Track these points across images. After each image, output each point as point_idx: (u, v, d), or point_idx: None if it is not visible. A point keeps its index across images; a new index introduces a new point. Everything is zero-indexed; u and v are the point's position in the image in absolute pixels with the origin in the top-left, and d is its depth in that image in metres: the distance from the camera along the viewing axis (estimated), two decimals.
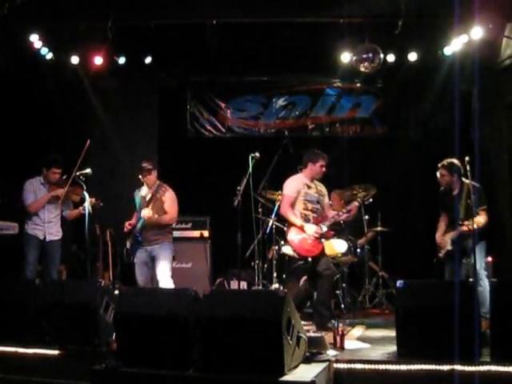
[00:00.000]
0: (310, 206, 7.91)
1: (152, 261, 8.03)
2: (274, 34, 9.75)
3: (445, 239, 7.72)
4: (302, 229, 7.73)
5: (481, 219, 7.39)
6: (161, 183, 8.08)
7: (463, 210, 7.46)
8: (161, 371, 5.24)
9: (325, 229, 7.74)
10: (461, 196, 7.55)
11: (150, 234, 8.03)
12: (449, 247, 7.63)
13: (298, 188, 7.88)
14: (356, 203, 7.98)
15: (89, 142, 8.00)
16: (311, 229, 7.68)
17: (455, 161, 7.62)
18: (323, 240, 7.77)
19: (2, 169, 9.63)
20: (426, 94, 10.55)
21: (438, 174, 7.79)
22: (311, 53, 10.24)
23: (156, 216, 7.87)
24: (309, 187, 7.94)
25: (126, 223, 8.12)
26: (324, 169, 7.98)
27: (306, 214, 7.88)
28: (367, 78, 10.75)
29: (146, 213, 7.83)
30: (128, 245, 8.12)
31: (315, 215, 7.88)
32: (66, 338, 6.08)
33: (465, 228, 7.31)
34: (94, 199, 8.14)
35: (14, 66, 9.75)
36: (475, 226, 7.23)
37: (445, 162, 7.72)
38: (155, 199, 7.97)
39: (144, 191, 8.19)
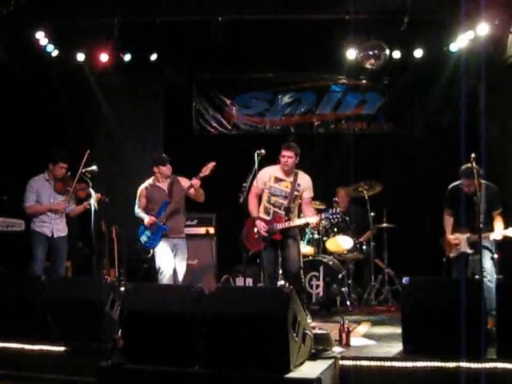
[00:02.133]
0: (272, 199, 7.83)
1: (174, 254, 8.12)
2: (280, 31, 9.73)
3: (459, 239, 7.62)
4: (253, 221, 7.76)
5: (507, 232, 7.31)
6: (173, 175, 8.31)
7: (478, 211, 7.36)
8: (166, 367, 5.25)
9: (275, 230, 7.67)
10: (475, 196, 7.41)
11: (176, 224, 8.16)
12: (466, 250, 7.53)
13: (263, 179, 7.83)
14: (316, 218, 7.77)
15: (88, 152, 8.12)
16: (260, 225, 7.69)
17: (469, 165, 7.52)
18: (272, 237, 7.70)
19: (7, 166, 9.66)
20: (431, 91, 10.52)
21: (460, 184, 7.56)
22: (317, 49, 10.24)
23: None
24: (277, 180, 7.84)
25: (150, 217, 8.11)
26: (283, 158, 7.78)
27: (267, 207, 7.85)
28: (373, 74, 10.74)
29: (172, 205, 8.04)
30: (144, 239, 8.15)
31: (277, 210, 7.79)
32: (72, 335, 6.10)
33: (490, 237, 7.24)
34: (99, 194, 8.19)
35: (19, 63, 9.79)
36: (498, 238, 7.23)
37: (464, 169, 7.43)
38: (177, 187, 8.17)
39: (157, 183, 8.28)
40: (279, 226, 7.67)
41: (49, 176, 8.37)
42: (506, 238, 7.35)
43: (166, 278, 7.95)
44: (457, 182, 7.67)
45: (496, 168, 9.22)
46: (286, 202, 7.78)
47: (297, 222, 7.76)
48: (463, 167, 7.49)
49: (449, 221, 7.84)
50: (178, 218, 8.24)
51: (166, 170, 8.24)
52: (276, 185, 7.83)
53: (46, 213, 8.27)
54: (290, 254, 7.76)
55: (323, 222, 9.21)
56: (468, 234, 7.51)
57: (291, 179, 7.84)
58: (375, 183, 9.69)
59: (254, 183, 7.75)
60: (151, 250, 8.15)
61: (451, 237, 7.73)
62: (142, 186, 8.32)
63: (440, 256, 7.99)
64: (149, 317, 5.43)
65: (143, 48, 10.25)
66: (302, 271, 7.90)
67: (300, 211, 7.98)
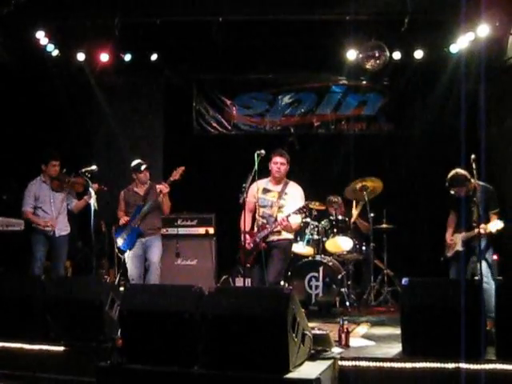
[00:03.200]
0: (261, 211, 7.64)
1: (145, 251, 8.36)
2: (280, 32, 9.75)
3: (455, 239, 7.68)
4: (241, 235, 7.54)
5: (500, 223, 7.33)
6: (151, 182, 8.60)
7: (477, 211, 7.37)
8: (166, 368, 5.25)
9: (258, 240, 7.47)
10: (474, 197, 7.42)
11: (149, 226, 8.38)
12: (459, 248, 7.59)
13: (252, 192, 7.61)
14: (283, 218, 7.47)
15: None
16: (246, 240, 7.45)
17: (457, 171, 7.54)
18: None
19: (7, 166, 9.66)
20: (432, 92, 10.53)
21: (452, 192, 7.65)
22: (317, 50, 10.26)
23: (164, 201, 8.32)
24: (265, 191, 7.68)
25: (123, 217, 8.41)
26: (276, 165, 7.64)
27: (258, 220, 7.63)
28: (373, 75, 10.73)
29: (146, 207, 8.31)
30: (120, 241, 8.39)
31: (265, 221, 7.60)
32: (71, 335, 6.09)
33: (481, 230, 7.19)
34: (97, 185, 8.16)
35: (20, 62, 9.80)
36: (494, 230, 7.22)
37: (450, 178, 7.57)
38: (153, 193, 8.39)
39: (135, 188, 8.57)
40: (261, 235, 7.51)
41: (44, 177, 8.37)
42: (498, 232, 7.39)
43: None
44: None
45: (496, 169, 9.25)
46: (270, 212, 7.64)
47: (273, 226, 7.51)
48: (449, 177, 7.54)
49: (450, 222, 7.89)
50: (152, 220, 8.44)
51: (143, 176, 8.50)
52: (263, 195, 7.66)
53: (47, 212, 8.27)
54: (269, 266, 7.48)
55: (323, 223, 9.24)
56: (463, 233, 7.56)
57: (279, 189, 7.70)
58: (375, 180, 9.66)
59: (247, 198, 7.54)
60: (126, 252, 8.36)
61: (447, 237, 7.79)
62: (122, 191, 8.65)
63: (440, 256, 7.99)
64: (148, 317, 5.43)
65: (143, 48, 10.27)
66: (279, 284, 7.69)
67: None
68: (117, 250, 8.50)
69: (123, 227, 8.40)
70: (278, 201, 7.63)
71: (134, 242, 8.30)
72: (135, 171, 8.52)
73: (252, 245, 7.52)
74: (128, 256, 8.33)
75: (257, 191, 7.61)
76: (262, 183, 7.70)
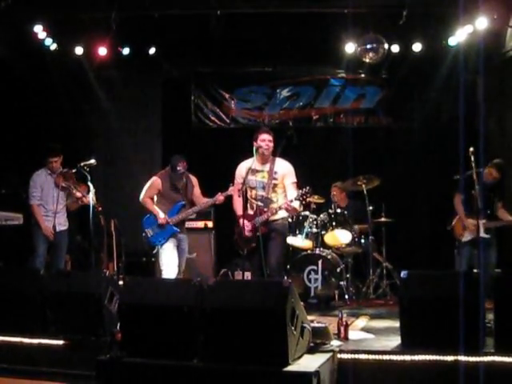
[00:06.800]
0: (253, 192, 7.56)
1: (178, 245, 8.13)
2: (279, 25, 9.74)
3: (474, 223, 7.65)
4: (238, 219, 7.56)
5: None
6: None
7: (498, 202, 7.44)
8: (165, 361, 5.25)
9: (257, 225, 7.35)
10: (498, 188, 7.50)
11: (184, 223, 8.24)
12: (484, 235, 7.59)
13: (240, 174, 7.61)
14: (285, 202, 7.43)
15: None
16: (243, 225, 7.40)
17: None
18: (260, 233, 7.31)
19: (6, 159, 9.66)
20: (430, 85, 10.52)
21: (486, 171, 7.78)
22: (316, 43, 10.24)
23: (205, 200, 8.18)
24: (254, 172, 7.55)
25: (162, 216, 7.98)
26: (264, 143, 7.46)
27: (251, 201, 7.57)
28: (372, 68, 10.73)
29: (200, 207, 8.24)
30: (150, 233, 8.04)
31: (259, 203, 7.49)
32: (71, 328, 6.09)
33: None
34: (97, 204, 8.11)
35: (18, 56, 9.77)
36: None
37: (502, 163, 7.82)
38: (189, 187, 8.22)
39: (172, 178, 8.11)
40: (260, 220, 7.39)
41: (50, 170, 8.35)
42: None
43: (171, 275, 7.88)
44: (471, 171, 7.68)
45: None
46: (264, 193, 7.55)
47: (273, 211, 7.46)
48: (498, 160, 7.80)
49: (459, 205, 7.89)
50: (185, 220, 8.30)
51: (184, 166, 8.05)
52: (252, 177, 7.54)
53: (49, 207, 8.26)
54: (269, 247, 7.48)
55: (322, 216, 9.24)
56: (484, 220, 7.56)
57: (268, 168, 7.59)
58: (373, 177, 9.67)
59: (235, 180, 7.63)
60: (157, 247, 8.04)
61: (462, 217, 7.77)
62: (157, 178, 8.13)
63: (438, 249, 8.00)
64: (147, 310, 5.43)
65: (142, 42, 10.25)
66: (281, 266, 7.77)
67: None
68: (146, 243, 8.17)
69: (153, 218, 8.03)
70: (269, 181, 7.55)
71: (167, 239, 7.98)
72: (177, 161, 8.03)
73: (251, 232, 7.46)
74: (165, 248, 7.98)
75: (245, 172, 7.50)
76: (248, 163, 7.60)
